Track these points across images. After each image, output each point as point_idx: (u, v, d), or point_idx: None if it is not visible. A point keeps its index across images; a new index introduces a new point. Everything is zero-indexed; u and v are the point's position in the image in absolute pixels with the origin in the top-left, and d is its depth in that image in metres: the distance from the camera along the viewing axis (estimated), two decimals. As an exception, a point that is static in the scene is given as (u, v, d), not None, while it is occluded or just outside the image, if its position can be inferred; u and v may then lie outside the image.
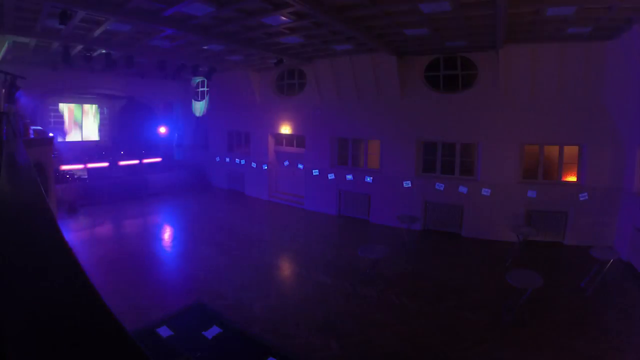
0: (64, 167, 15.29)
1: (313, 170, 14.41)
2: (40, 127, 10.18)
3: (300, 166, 15.14)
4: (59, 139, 17.01)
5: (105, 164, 16.63)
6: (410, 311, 7.15)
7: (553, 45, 9.42)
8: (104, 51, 10.95)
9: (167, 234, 12.23)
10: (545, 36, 8.91)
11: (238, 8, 7.40)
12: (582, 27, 8.11)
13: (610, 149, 9.80)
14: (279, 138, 16.11)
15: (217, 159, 18.40)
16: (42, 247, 1.37)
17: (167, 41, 10.19)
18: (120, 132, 19.90)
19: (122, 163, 17.16)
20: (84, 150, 17.60)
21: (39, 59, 12.52)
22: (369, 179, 13.02)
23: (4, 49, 8.90)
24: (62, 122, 17.92)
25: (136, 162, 17.85)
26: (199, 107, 19.18)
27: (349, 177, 13.37)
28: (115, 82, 16.83)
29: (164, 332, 5.35)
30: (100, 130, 19.46)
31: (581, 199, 10.08)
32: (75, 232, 11.43)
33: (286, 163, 16.00)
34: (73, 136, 18.48)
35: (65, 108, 18.00)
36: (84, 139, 18.75)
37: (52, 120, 17.41)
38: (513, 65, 10.04)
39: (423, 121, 11.91)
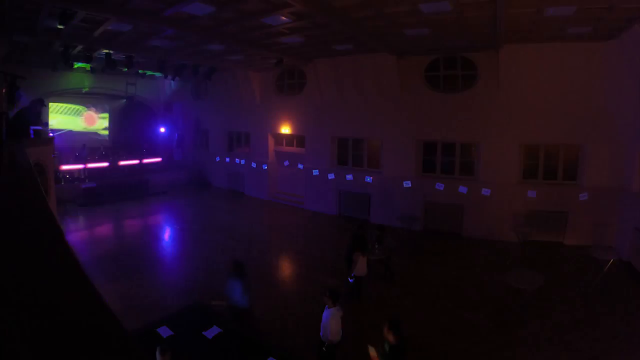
0: (64, 167, 15.28)
1: (313, 170, 14.40)
2: (40, 127, 10.17)
3: (300, 166, 15.13)
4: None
5: (105, 164, 16.63)
6: (410, 311, 7.15)
7: (553, 45, 9.42)
8: (104, 51, 10.95)
9: (167, 234, 12.23)
10: (545, 36, 8.91)
11: (238, 8, 7.40)
12: (583, 27, 8.11)
13: (610, 148, 9.80)
14: (279, 138, 16.11)
15: (217, 158, 18.40)
16: (42, 247, 1.37)
17: (167, 41, 10.19)
18: (120, 132, 19.91)
19: (122, 163, 17.16)
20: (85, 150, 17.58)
21: (39, 59, 12.51)
22: (369, 179, 13.01)
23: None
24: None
25: (136, 162, 17.86)
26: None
27: (349, 177, 13.36)
28: (115, 82, 16.82)
29: (164, 332, 5.33)
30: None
31: (581, 199, 10.08)
32: (75, 232, 11.43)
33: (286, 163, 15.99)
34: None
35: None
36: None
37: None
38: (513, 65, 10.03)
39: (423, 121, 11.90)
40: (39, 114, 9.56)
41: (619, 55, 8.85)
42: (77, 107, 18.20)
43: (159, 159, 19.03)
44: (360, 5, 7.06)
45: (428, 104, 11.78)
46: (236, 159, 17.41)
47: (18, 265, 1.16)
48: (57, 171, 14.50)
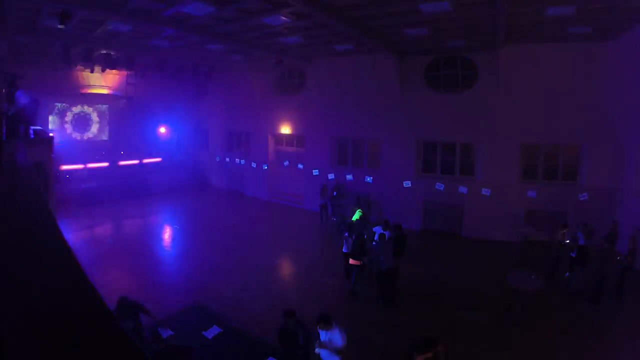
0: (64, 167, 15.27)
1: (313, 170, 14.40)
2: (40, 127, 10.16)
3: (300, 166, 15.13)
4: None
5: (105, 164, 16.62)
6: (411, 311, 7.15)
7: (553, 45, 9.42)
8: (104, 51, 10.95)
9: (167, 234, 12.22)
10: (545, 36, 8.91)
11: (238, 8, 7.39)
12: (583, 27, 8.11)
13: (610, 148, 9.79)
14: (279, 138, 16.10)
15: (217, 159, 18.40)
16: (42, 247, 1.37)
17: (167, 41, 10.18)
18: (120, 132, 19.86)
19: (122, 163, 17.15)
20: (84, 150, 17.56)
21: (39, 59, 12.51)
22: (369, 179, 13.01)
23: None
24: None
25: (136, 162, 17.84)
26: None
27: (349, 177, 13.36)
28: (115, 82, 16.80)
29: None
30: (100, 130, 19.42)
31: (581, 199, 10.07)
32: (75, 232, 11.42)
33: (286, 163, 15.99)
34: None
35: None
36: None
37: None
38: (513, 65, 10.03)
39: (423, 121, 11.90)
40: (34, 114, 9.54)
41: (619, 55, 8.85)
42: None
43: (159, 159, 19.01)
44: (360, 4, 7.06)
45: (428, 104, 11.78)
46: (236, 159, 17.41)
47: (17, 266, 1.16)
48: (57, 171, 14.50)
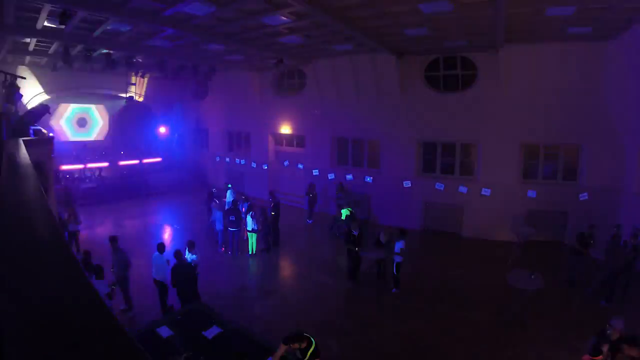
0: (64, 167, 15.29)
1: (313, 170, 14.40)
2: (40, 127, 10.16)
3: (300, 166, 15.13)
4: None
5: (106, 164, 16.64)
6: (410, 311, 7.15)
7: (553, 45, 9.42)
8: (104, 51, 10.93)
9: (167, 234, 12.22)
10: (545, 36, 8.91)
11: (238, 8, 7.39)
12: (582, 27, 8.11)
13: (610, 148, 9.79)
14: (279, 138, 16.10)
15: (217, 158, 18.40)
16: (42, 247, 1.37)
17: (167, 41, 10.18)
18: (120, 132, 19.90)
19: (122, 163, 17.17)
20: (84, 150, 17.59)
21: (39, 59, 12.51)
22: (369, 179, 13.01)
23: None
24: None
25: (136, 162, 17.86)
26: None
27: (349, 176, 13.36)
28: (115, 82, 16.81)
29: (164, 332, 5.33)
30: (100, 129, 19.43)
31: (581, 199, 10.07)
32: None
33: (286, 163, 15.98)
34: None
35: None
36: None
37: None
38: (513, 65, 10.03)
39: (423, 121, 11.90)
40: (39, 118, 9.56)
41: (619, 55, 8.85)
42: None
43: (159, 159, 19.03)
44: (360, 5, 7.06)
45: (428, 104, 11.78)
46: (236, 159, 17.41)
47: (17, 266, 1.16)
48: (57, 171, 14.51)
